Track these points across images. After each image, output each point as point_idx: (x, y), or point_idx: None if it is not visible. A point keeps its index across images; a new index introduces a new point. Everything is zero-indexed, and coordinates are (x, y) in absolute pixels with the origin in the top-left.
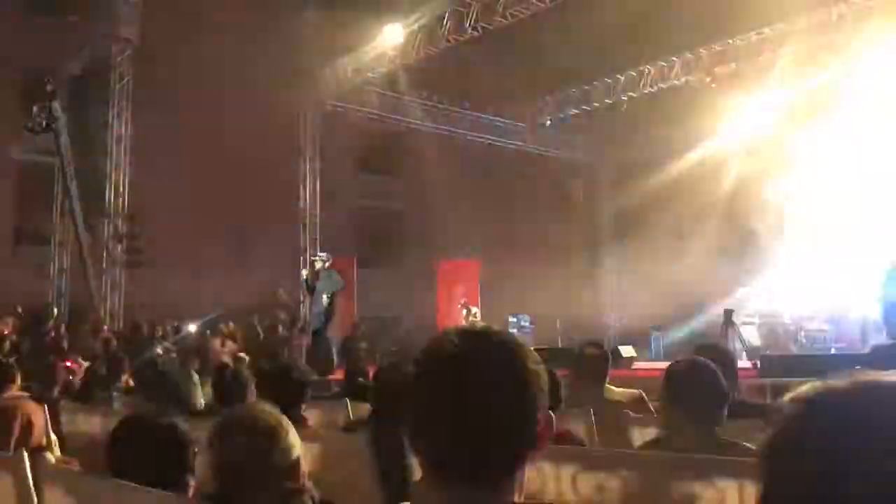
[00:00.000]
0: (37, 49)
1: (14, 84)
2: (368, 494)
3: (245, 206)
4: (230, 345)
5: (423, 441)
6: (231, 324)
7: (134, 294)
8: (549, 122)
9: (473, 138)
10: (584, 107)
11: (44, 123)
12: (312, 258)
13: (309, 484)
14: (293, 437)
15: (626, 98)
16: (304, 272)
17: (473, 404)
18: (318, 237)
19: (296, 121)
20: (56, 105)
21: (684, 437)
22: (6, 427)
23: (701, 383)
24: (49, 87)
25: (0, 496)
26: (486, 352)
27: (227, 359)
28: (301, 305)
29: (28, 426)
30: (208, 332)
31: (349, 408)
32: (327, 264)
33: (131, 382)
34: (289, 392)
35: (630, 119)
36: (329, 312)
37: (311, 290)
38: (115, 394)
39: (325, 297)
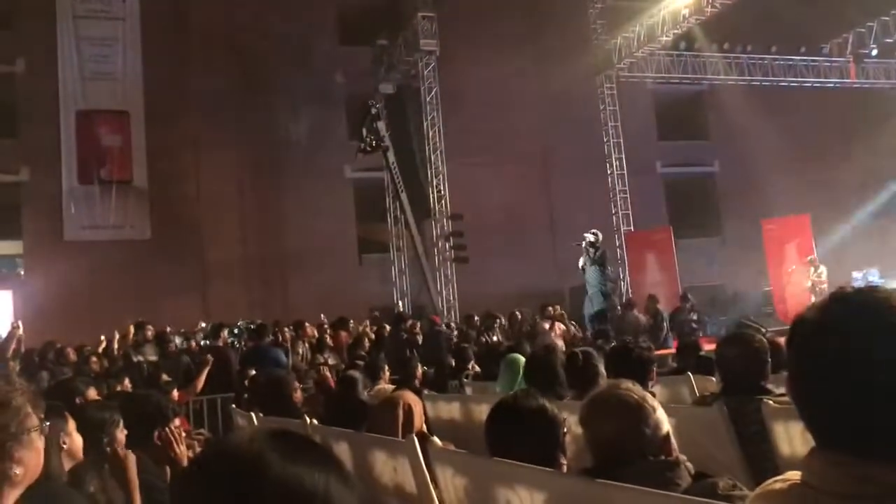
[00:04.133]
0: (353, 77)
1: (340, 112)
2: (730, 468)
3: (551, 189)
4: (559, 326)
5: (808, 414)
6: (557, 307)
7: (463, 287)
8: (874, 52)
9: (786, 84)
10: None
11: (373, 143)
12: (585, 234)
13: (683, 457)
14: (661, 412)
15: None
16: (585, 242)
17: (854, 374)
18: (629, 211)
19: (593, 97)
20: (381, 125)
21: None
22: (391, 415)
23: None
24: (374, 111)
25: (399, 476)
26: (865, 318)
27: (559, 341)
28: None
29: (409, 414)
30: (537, 317)
31: (693, 382)
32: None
33: (477, 369)
34: (635, 370)
35: None
36: (608, 287)
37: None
38: (464, 380)
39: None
